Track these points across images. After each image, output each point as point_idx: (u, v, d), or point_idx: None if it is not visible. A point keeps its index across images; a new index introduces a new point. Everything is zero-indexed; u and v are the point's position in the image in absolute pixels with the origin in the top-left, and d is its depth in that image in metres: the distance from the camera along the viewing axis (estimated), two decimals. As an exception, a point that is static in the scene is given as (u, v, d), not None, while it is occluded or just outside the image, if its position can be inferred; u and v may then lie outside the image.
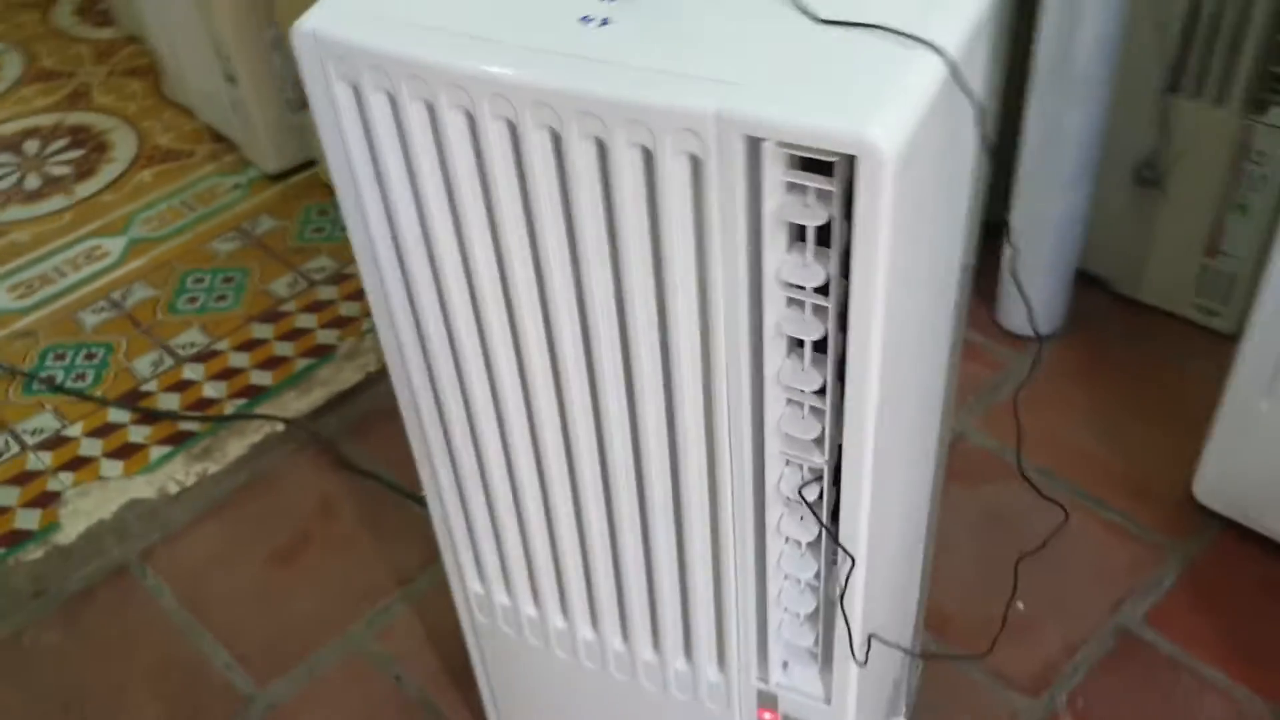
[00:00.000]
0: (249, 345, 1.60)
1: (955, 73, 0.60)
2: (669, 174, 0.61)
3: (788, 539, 0.78)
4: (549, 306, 0.71)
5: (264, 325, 1.63)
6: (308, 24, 0.66)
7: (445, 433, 0.84)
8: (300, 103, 1.68)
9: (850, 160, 0.57)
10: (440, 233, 0.70)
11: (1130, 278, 1.61)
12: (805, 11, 0.62)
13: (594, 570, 0.87)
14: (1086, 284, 1.61)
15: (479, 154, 0.65)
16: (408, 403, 0.84)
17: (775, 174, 0.60)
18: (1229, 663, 1.23)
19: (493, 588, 0.95)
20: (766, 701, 0.90)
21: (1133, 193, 1.52)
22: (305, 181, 1.85)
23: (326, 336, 1.61)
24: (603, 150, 0.62)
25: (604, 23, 0.63)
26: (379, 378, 1.57)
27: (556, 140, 0.63)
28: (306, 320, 1.63)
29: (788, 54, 0.60)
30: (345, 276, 1.70)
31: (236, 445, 1.48)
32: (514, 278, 0.70)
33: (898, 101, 0.57)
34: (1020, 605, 1.28)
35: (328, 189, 1.85)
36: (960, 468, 1.42)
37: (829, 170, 0.59)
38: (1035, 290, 1.55)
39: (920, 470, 0.91)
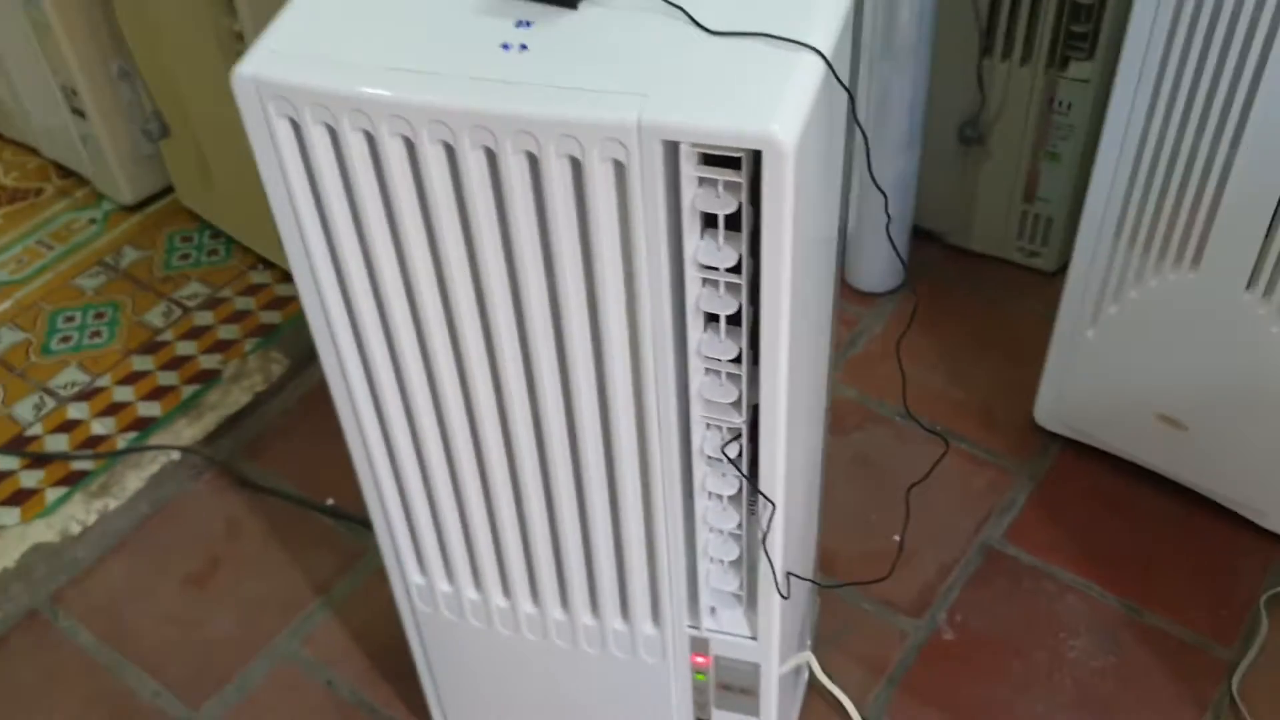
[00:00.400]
0: (132, 378, 1.60)
1: (831, 69, 0.70)
2: (596, 179, 0.69)
3: (711, 494, 0.87)
4: (486, 304, 0.78)
5: (144, 357, 1.64)
6: (247, 70, 0.71)
7: (383, 428, 0.90)
8: (160, 132, 1.68)
9: (755, 154, 0.66)
10: (380, 247, 0.77)
11: (960, 229, 1.75)
12: (698, 24, 0.70)
13: (534, 546, 0.94)
14: (921, 239, 1.75)
15: (418, 175, 0.72)
16: (344, 404, 0.89)
17: (690, 171, 0.68)
18: (1081, 565, 1.38)
19: (434, 576, 1.01)
20: (699, 646, 0.99)
21: (957, 151, 1.66)
22: (164, 209, 1.85)
23: (209, 362, 1.63)
24: (534, 162, 0.69)
25: (523, 48, 0.70)
26: (268, 397, 1.60)
27: (491, 157, 0.70)
28: (186, 348, 1.64)
29: (690, 64, 0.68)
30: (219, 301, 1.71)
31: (134, 478, 1.49)
32: (452, 282, 0.77)
33: (790, 100, 0.66)
34: (896, 537, 1.41)
35: (189, 215, 1.86)
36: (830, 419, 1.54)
37: (735, 164, 0.68)
38: (878, 249, 1.68)
39: (813, 421, 1.02)
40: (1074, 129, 1.57)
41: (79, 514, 1.45)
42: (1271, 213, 1.16)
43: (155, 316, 1.69)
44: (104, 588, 1.41)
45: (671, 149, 0.67)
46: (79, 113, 1.72)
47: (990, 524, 1.43)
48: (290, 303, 1.71)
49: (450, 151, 0.70)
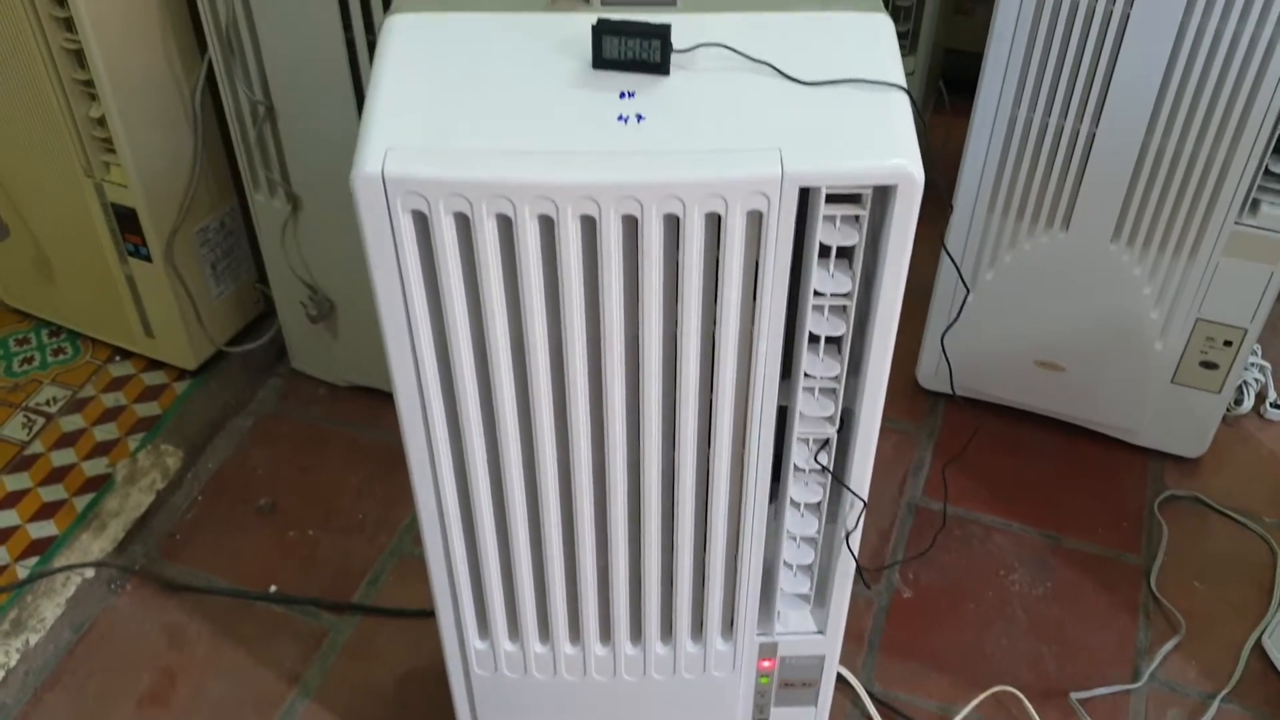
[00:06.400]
0: (10, 500, 1.48)
1: (913, 104, 0.77)
2: (735, 229, 0.73)
3: (793, 503, 0.93)
4: (602, 353, 0.80)
5: (17, 475, 1.51)
6: (367, 168, 0.70)
7: (464, 485, 0.89)
8: (3, 233, 1.55)
9: (878, 189, 0.73)
10: (497, 316, 0.77)
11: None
12: (789, 78, 0.76)
13: (614, 584, 0.97)
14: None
15: (551, 248, 0.74)
16: (423, 474, 0.88)
17: (820, 210, 0.74)
18: (996, 506, 1.53)
19: (498, 638, 1.02)
20: (767, 651, 1.04)
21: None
22: (-18, 314, 1.71)
23: (94, 468, 1.52)
24: (671, 221, 0.73)
25: (639, 118, 0.73)
26: (169, 492, 1.51)
27: (631, 223, 0.73)
28: (63, 457, 1.53)
29: (800, 115, 0.74)
30: (83, 401, 1.60)
31: (49, 606, 1.37)
32: (569, 334, 0.78)
33: (904, 136, 0.73)
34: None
35: (15, 315, 1.72)
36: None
37: (854, 200, 0.74)
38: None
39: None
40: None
41: (-2, 656, 1.33)
42: (1130, 172, 1.32)
43: (14, 430, 1.56)
44: (50, 728, 1.30)
45: (804, 193, 0.73)
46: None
47: (910, 485, 1.55)
48: (165, 391, 1.62)
49: (589, 223, 0.73)
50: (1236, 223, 1.33)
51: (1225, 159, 1.28)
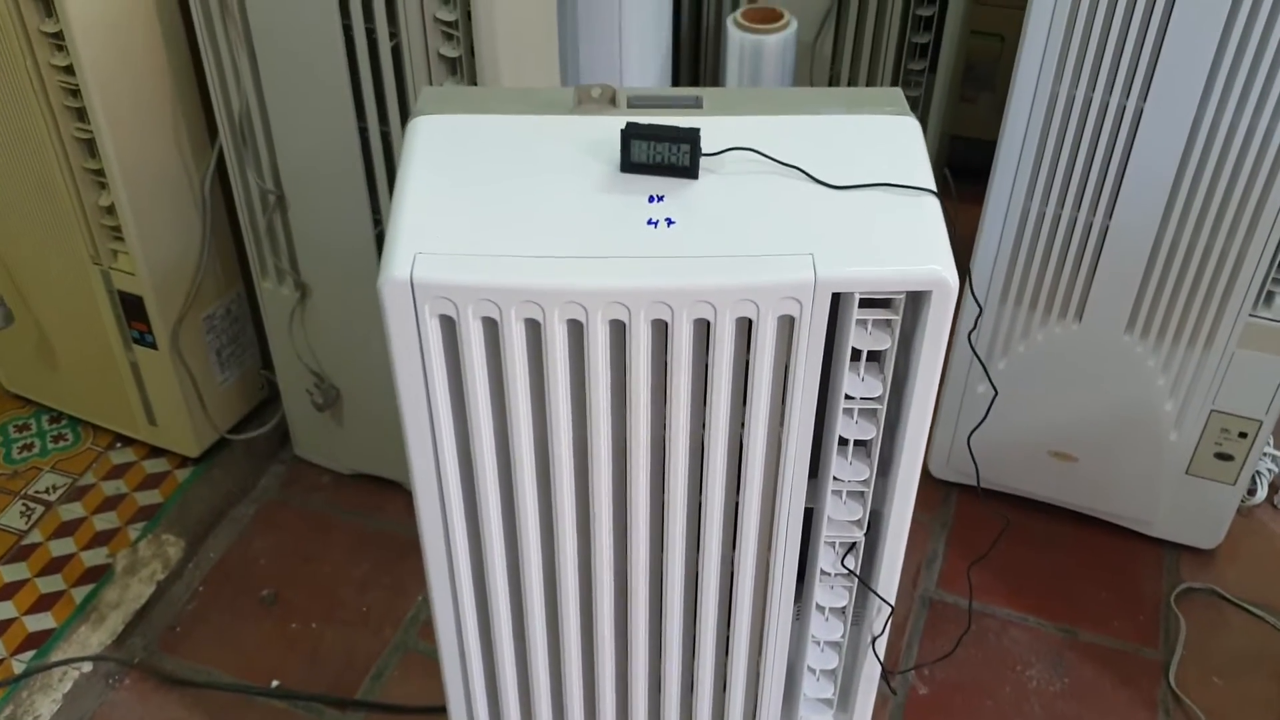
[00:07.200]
0: (7, 592, 1.45)
1: (942, 205, 0.76)
2: (766, 333, 0.72)
3: (819, 607, 0.91)
4: (628, 456, 0.78)
5: (14, 566, 1.48)
6: (396, 273, 0.69)
7: (483, 588, 0.87)
8: (6, 321, 1.53)
9: (910, 294, 0.72)
10: (521, 419, 0.76)
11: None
12: (819, 181, 0.75)
13: (633, 691, 0.94)
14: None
15: (583, 353, 0.72)
16: (440, 576, 0.86)
17: (852, 315, 0.73)
18: (1012, 599, 1.50)
19: (511, 741, 0.99)
20: (787, 755, 1.02)
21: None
22: (-17, 399, 1.69)
23: (94, 558, 1.49)
24: (701, 325, 0.72)
25: (669, 223, 0.72)
26: (170, 583, 1.48)
27: (661, 327, 0.72)
28: (62, 547, 1.50)
29: (832, 219, 0.73)
30: (84, 489, 1.57)
31: (45, 702, 1.34)
32: (595, 437, 0.77)
33: (937, 242, 0.72)
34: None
35: (16, 401, 1.70)
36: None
37: (885, 305, 0.73)
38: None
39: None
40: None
41: (-8, 755, 1.30)
42: (1144, 264, 1.32)
43: (12, 518, 1.54)
44: (43, 832, 1.26)
45: (835, 297, 0.72)
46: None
47: (923, 577, 1.53)
48: (167, 478, 1.60)
49: (616, 326, 0.71)
50: (1251, 314, 1.33)
51: (1240, 251, 1.28)
